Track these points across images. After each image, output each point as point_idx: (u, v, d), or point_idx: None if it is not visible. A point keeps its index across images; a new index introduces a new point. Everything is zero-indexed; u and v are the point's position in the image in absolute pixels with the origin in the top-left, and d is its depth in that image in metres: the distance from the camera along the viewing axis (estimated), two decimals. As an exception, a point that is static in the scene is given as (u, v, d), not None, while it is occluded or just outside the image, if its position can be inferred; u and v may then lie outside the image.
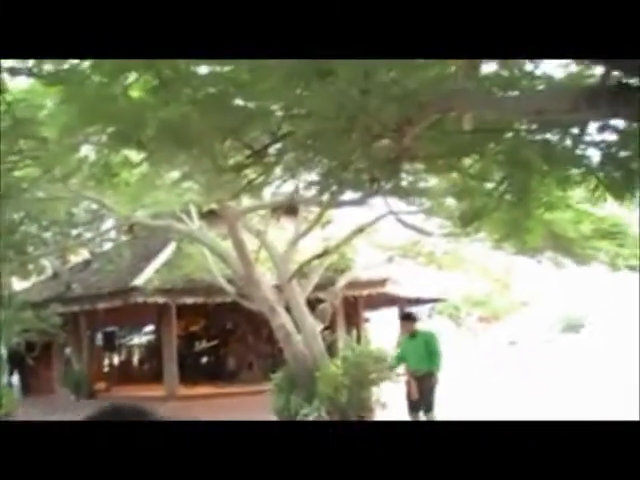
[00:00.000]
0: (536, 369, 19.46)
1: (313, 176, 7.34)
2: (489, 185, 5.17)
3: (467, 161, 5.16)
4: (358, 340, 13.08)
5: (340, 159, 5.48)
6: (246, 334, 17.76)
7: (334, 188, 7.01)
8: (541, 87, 4.12)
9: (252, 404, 11.37)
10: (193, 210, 12.01)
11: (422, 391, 8.45)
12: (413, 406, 8.59)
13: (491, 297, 23.05)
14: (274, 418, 9.92)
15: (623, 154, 4.22)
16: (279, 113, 4.58)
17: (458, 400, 11.30)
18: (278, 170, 6.27)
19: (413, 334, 8.87)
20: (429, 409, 8.46)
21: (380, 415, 10.43)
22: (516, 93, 4.16)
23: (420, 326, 9.86)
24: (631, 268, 10.06)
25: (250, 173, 5.77)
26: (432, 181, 8.00)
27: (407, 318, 9.46)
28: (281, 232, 12.91)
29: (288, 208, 11.81)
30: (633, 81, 2.40)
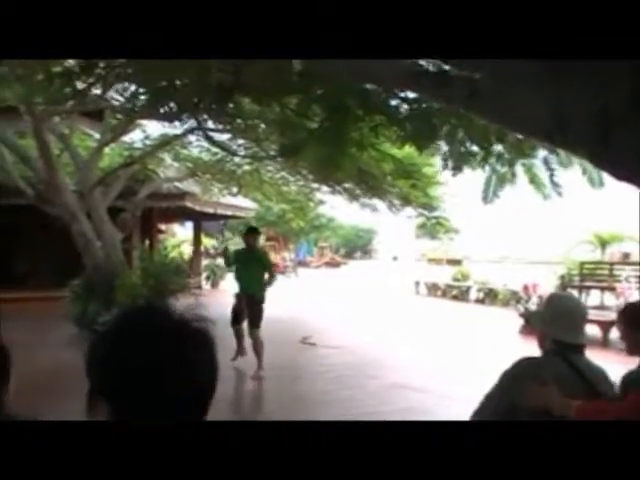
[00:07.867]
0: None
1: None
2: (310, 124, 5.65)
3: (294, 100, 5.54)
4: (151, 250, 13.15)
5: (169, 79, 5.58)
6: (38, 238, 16.83)
7: (145, 97, 6.99)
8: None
9: (47, 310, 11.19)
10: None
11: (250, 305, 8.04)
12: (235, 317, 8.24)
13: (284, 218, 24.35)
14: (71, 325, 9.90)
15: (427, 109, 4.77)
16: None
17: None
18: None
19: (251, 249, 8.30)
20: (256, 325, 8.06)
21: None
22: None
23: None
24: (421, 205, 11.34)
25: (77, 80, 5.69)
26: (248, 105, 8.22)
27: (252, 232, 8.60)
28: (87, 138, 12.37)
29: (95, 113, 11.33)
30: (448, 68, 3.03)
